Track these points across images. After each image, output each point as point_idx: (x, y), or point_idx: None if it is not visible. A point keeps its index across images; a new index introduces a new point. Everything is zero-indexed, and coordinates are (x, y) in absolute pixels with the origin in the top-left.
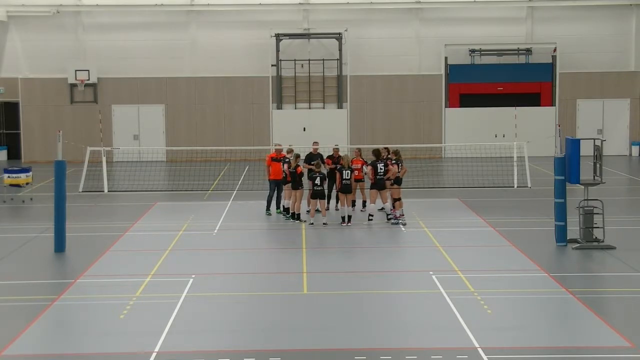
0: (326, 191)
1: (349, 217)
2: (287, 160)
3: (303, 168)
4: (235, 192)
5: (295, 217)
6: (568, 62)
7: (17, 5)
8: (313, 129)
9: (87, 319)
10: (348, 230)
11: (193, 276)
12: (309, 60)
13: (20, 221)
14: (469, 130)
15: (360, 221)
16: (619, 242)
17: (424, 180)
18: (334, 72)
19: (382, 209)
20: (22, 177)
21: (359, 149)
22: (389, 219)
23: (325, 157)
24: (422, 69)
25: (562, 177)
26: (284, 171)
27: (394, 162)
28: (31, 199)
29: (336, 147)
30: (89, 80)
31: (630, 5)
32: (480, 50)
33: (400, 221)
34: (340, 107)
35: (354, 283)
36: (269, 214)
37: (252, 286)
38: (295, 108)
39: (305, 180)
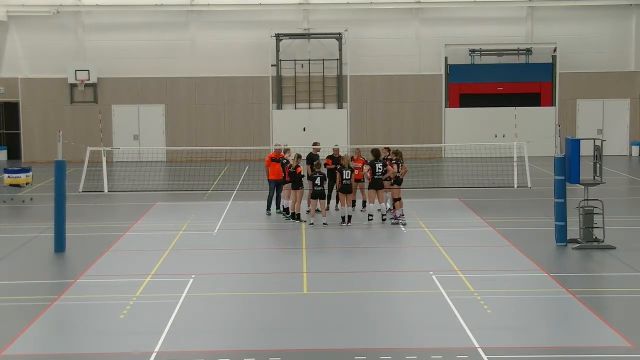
0: (326, 191)
1: (349, 217)
2: (286, 161)
3: (304, 170)
4: (235, 192)
5: (295, 217)
6: (568, 62)
7: (17, 5)
8: (313, 129)
9: (87, 319)
10: (348, 230)
11: (193, 276)
12: (309, 60)
13: (20, 221)
14: (469, 130)
15: (360, 221)
16: (619, 242)
17: (424, 180)
18: (334, 72)
19: (379, 209)
20: (22, 177)
21: (359, 149)
22: (383, 220)
23: (325, 157)
24: (422, 69)
25: (562, 177)
26: (282, 171)
27: (393, 162)
28: (31, 199)
29: (336, 146)
30: (89, 80)
31: (630, 5)
32: (480, 50)
33: (400, 221)
34: (340, 107)
35: (354, 283)
36: (269, 214)
37: (252, 286)
38: (295, 108)
39: (305, 180)
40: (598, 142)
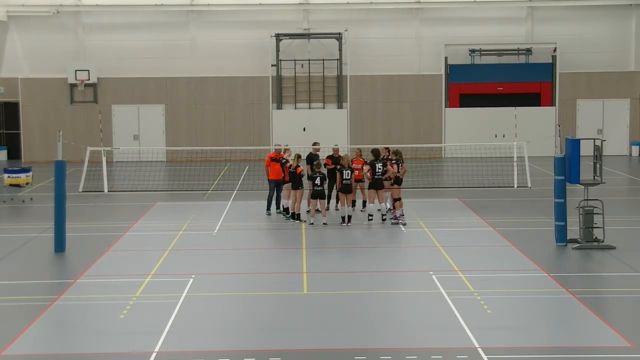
0: (326, 191)
1: (349, 217)
2: (285, 160)
3: (304, 169)
4: (235, 192)
5: (295, 217)
6: (568, 62)
7: (17, 5)
8: (313, 129)
9: (87, 319)
10: (348, 230)
11: (193, 276)
12: (309, 60)
13: (20, 221)
14: (469, 130)
15: (360, 221)
16: (619, 242)
17: (424, 180)
18: (334, 72)
19: (379, 209)
20: (22, 177)
21: (360, 149)
22: (383, 220)
23: (325, 157)
24: (422, 69)
25: (562, 177)
26: (282, 171)
27: (393, 162)
28: (31, 199)
29: (336, 146)
30: (89, 80)
31: (630, 5)
32: (480, 50)
33: (400, 221)
34: (340, 107)
35: (354, 283)
36: (269, 214)
37: (252, 286)
38: (295, 108)
39: (305, 180)
40: (598, 142)
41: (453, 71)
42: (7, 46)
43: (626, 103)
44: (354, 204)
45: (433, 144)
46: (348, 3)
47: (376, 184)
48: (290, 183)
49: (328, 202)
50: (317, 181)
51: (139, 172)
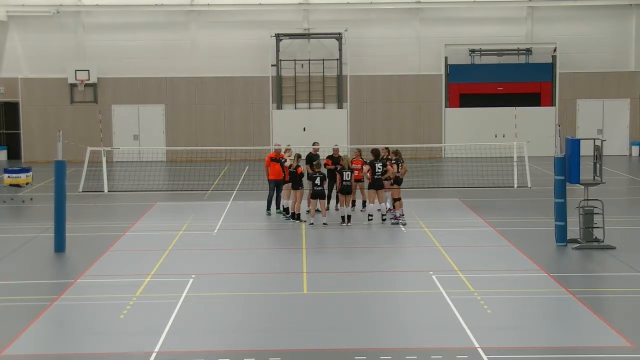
0: (326, 191)
1: (349, 217)
2: (284, 160)
3: (304, 169)
4: (235, 192)
5: (295, 217)
6: (568, 62)
7: (17, 5)
8: (313, 129)
9: (87, 319)
10: (348, 230)
11: (193, 276)
12: (309, 60)
13: (20, 221)
14: (469, 130)
15: (360, 221)
16: (619, 242)
17: (424, 180)
18: (334, 72)
19: (379, 209)
20: (22, 177)
21: (360, 149)
22: (383, 220)
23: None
24: (422, 69)
25: (562, 177)
26: (282, 171)
27: (393, 162)
28: (31, 199)
29: (336, 147)
30: (89, 80)
31: (630, 5)
32: (480, 50)
33: (400, 221)
34: (340, 107)
35: (354, 283)
36: (269, 214)
37: (252, 286)
38: (295, 108)
39: (305, 180)
40: (598, 142)
41: (453, 71)
42: (7, 46)
43: (626, 103)
44: (353, 204)
45: (433, 144)
46: (348, 3)
47: (376, 184)
48: (290, 183)
49: (328, 202)
50: (317, 181)
51: (139, 172)
